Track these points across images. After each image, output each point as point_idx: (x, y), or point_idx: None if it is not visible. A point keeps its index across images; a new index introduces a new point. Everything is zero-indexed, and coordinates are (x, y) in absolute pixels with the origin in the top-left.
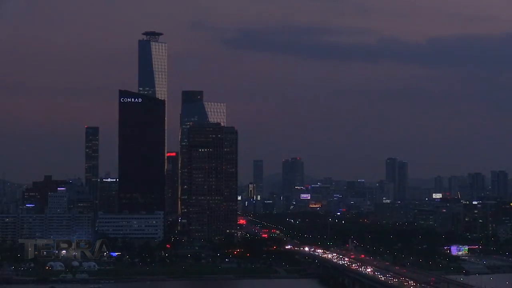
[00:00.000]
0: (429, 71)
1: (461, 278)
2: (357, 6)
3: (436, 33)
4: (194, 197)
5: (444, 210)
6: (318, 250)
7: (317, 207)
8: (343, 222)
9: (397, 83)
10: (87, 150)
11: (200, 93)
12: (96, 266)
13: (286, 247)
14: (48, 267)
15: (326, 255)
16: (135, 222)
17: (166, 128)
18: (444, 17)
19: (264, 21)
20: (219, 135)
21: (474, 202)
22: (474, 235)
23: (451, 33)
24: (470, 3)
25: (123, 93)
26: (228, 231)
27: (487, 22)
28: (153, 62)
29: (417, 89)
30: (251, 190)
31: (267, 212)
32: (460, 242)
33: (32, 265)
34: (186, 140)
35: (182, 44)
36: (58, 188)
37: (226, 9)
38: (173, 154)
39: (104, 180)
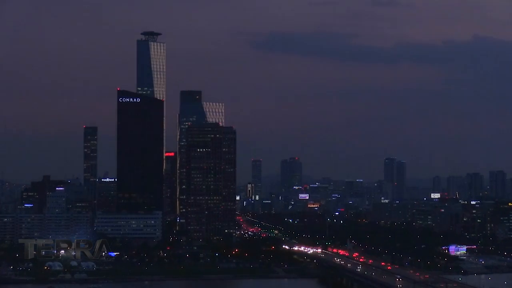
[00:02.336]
0: (437, 73)
1: (459, 278)
2: (375, 10)
3: (452, 36)
4: (192, 197)
5: (442, 210)
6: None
7: (316, 207)
8: (341, 222)
9: (400, 84)
10: (86, 150)
11: (199, 93)
12: (95, 266)
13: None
14: (47, 267)
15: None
16: (133, 222)
17: (164, 128)
18: (461, 19)
19: (263, 23)
20: (217, 135)
21: (473, 202)
22: (473, 235)
23: (467, 36)
24: (487, 6)
25: (121, 93)
26: (226, 231)
27: (503, 25)
28: (152, 62)
29: (418, 90)
30: (249, 190)
31: (266, 212)
32: (459, 242)
33: (31, 265)
34: (184, 140)
35: (182, 44)
36: (57, 188)
37: (229, 10)
38: (172, 154)
39: (102, 180)
